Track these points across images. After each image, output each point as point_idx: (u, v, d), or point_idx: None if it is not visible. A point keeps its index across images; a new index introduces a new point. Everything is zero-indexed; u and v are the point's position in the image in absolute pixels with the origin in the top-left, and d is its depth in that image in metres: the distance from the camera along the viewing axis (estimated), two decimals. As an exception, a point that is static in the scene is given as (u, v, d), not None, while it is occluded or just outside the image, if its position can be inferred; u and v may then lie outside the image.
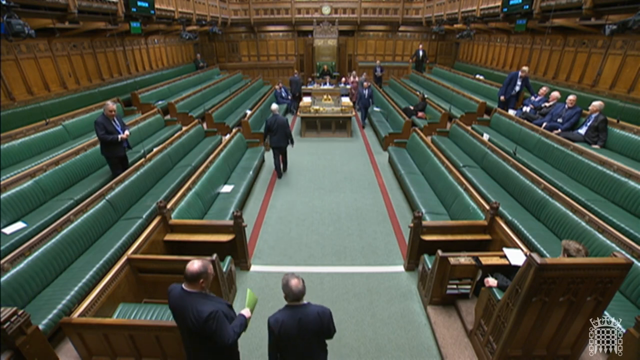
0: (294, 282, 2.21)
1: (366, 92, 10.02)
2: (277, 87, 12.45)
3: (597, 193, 4.66)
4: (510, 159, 5.48)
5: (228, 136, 7.41)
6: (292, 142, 6.86)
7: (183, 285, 2.19)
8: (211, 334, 2.09)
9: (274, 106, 6.78)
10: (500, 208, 4.46)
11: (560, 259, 2.39)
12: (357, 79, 13.03)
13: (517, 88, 8.02)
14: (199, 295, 2.16)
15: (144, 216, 4.61)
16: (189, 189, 4.82)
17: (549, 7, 7.35)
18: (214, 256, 3.27)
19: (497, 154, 5.83)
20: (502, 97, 8.21)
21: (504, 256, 3.34)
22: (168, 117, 8.97)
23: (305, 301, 2.28)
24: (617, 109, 6.21)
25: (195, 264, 2.16)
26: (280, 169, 7.04)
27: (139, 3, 8.03)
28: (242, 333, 2.32)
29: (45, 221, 4.13)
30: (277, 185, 6.64)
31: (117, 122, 5.28)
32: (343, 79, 14.72)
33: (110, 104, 5.21)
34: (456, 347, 3.20)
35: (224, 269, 3.54)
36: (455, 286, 3.46)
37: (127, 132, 5.35)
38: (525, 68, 7.88)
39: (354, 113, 9.94)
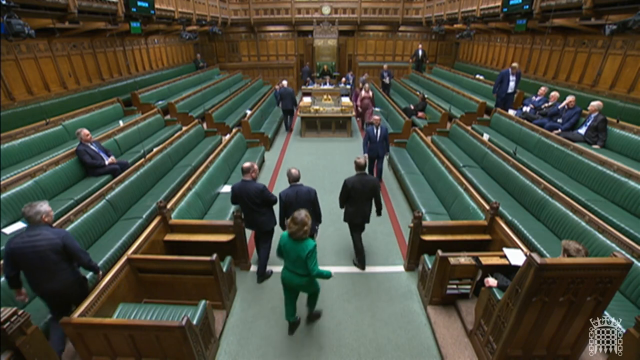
0: (293, 170, 3.82)
1: (378, 132, 6.02)
2: (277, 87, 12.45)
3: (597, 193, 4.66)
4: (510, 159, 5.48)
5: (228, 136, 7.41)
6: (296, 106, 10.25)
7: (242, 178, 3.85)
8: (266, 199, 3.83)
9: (284, 82, 9.99)
10: (500, 208, 4.46)
11: (560, 259, 2.39)
12: (370, 93, 9.58)
13: (512, 84, 8.03)
14: (253, 181, 3.86)
15: (144, 216, 4.61)
16: (189, 189, 4.83)
17: (549, 7, 7.35)
18: (214, 256, 3.27)
19: (497, 154, 5.83)
20: (494, 95, 8.33)
21: (504, 256, 3.34)
22: (168, 117, 8.97)
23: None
24: (617, 109, 6.21)
25: (246, 163, 3.86)
26: (288, 125, 10.25)
27: (139, 3, 8.02)
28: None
29: (45, 221, 4.12)
30: (277, 185, 6.63)
31: (95, 145, 5.45)
32: (343, 79, 14.61)
33: (84, 130, 5.34)
34: (456, 347, 3.20)
35: (224, 269, 3.54)
36: (455, 286, 3.46)
37: (112, 158, 5.56)
38: (514, 64, 7.89)
39: (354, 113, 9.91)
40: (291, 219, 2.88)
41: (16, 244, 2.66)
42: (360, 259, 4.33)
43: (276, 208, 3.95)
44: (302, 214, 2.88)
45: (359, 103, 9.87)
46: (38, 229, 2.71)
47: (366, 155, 6.07)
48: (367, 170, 5.86)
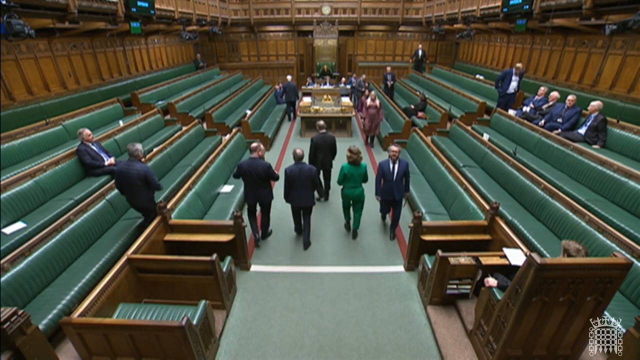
0: (298, 151, 4.48)
1: (395, 167, 4.57)
2: (277, 87, 12.46)
3: (597, 193, 4.66)
4: (510, 159, 5.48)
5: (228, 136, 7.40)
6: (299, 98, 11.74)
7: (250, 156, 4.41)
8: (270, 174, 4.43)
9: (289, 77, 11.62)
10: (500, 208, 4.46)
11: (560, 259, 2.39)
12: (377, 101, 8.05)
13: (515, 84, 8.03)
14: (259, 158, 4.43)
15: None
16: (189, 189, 4.82)
17: (549, 7, 7.35)
18: (214, 256, 3.27)
19: (497, 154, 5.83)
20: (496, 89, 8.46)
21: (504, 256, 3.34)
22: (168, 117, 8.96)
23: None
24: (617, 109, 6.21)
25: (253, 143, 4.48)
26: (291, 116, 11.56)
27: (139, 3, 8.02)
28: None
29: (45, 221, 4.12)
30: (277, 185, 6.63)
31: (96, 146, 5.46)
32: (343, 79, 14.59)
33: (86, 130, 5.33)
34: (456, 347, 3.20)
35: (224, 269, 3.54)
36: (455, 286, 3.46)
37: (112, 159, 5.54)
38: (519, 65, 7.89)
39: (354, 113, 9.89)
40: (349, 151, 4.46)
41: (119, 167, 3.97)
42: (324, 192, 5.97)
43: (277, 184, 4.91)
44: (356, 146, 4.47)
45: (364, 114, 8.30)
46: (133, 161, 3.96)
47: (378, 197, 4.88)
48: (380, 215, 5.30)
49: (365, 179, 4.63)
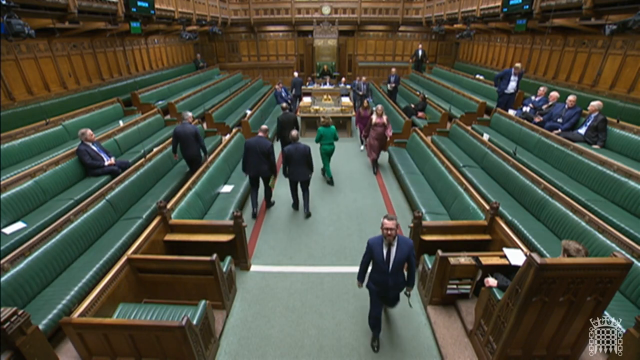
0: (293, 133, 5.30)
1: (393, 252, 2.91)
2: (277, 86, 12.44)
3: (597, 193, 4.66)
4: (510, 159, 5.48)
5: (228, 136, 7.41)
6: (301, 91, 12.52)
7: (258, 134, 5.27)
8: (270, 153, 5.17)
9: (295, 73, 12.91)
10: (500, 208, 4.46)
11: (560, 259, 2.39)
12: (384, 118, 6.79)
13: (514, 84, 8.03)
14: (265, 137, 5.25)
15: (144, 216, 4.61)
16: (189, 189, 4.82)
17: (549, 7, 7.35)
18: (214, 256, 3.27)
19: (497, 154, 5.83)
20: (496, 88, 8.49)
21: (504, 256, 3.34)
22: (168, 117, 8.96)
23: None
24: (617, 109, 6.21)
25: (263, 125, 5.45)
26: (295, 109, 11.28)
27: (139, 3, 8.02)
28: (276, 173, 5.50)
29: (45, 221, 4.12)
30: (277, 185, 6.63)
31: (96, 146, 5.48)
32: (343, 79, 14.54)
33: (89, 130, 5.35)
34: (456, 347, 3.20)
35: (224, 269, 3.54)
36: (455, 286, 3.46)
37: (112, 159, 5.56)
38: (518, 65, 7.90)
39: (354, 113, 9.90)
40: (322, 117, 6.49)
41: (176, 128, 5.59)
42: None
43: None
44: (327, 115, 6.93)
45: (377, 132, 6.81)
46: (186, 124, 5.62)
47: (360, 283, 3.36)
48: (369, 321, 3.30)
49: (335, 138, 6.47)
